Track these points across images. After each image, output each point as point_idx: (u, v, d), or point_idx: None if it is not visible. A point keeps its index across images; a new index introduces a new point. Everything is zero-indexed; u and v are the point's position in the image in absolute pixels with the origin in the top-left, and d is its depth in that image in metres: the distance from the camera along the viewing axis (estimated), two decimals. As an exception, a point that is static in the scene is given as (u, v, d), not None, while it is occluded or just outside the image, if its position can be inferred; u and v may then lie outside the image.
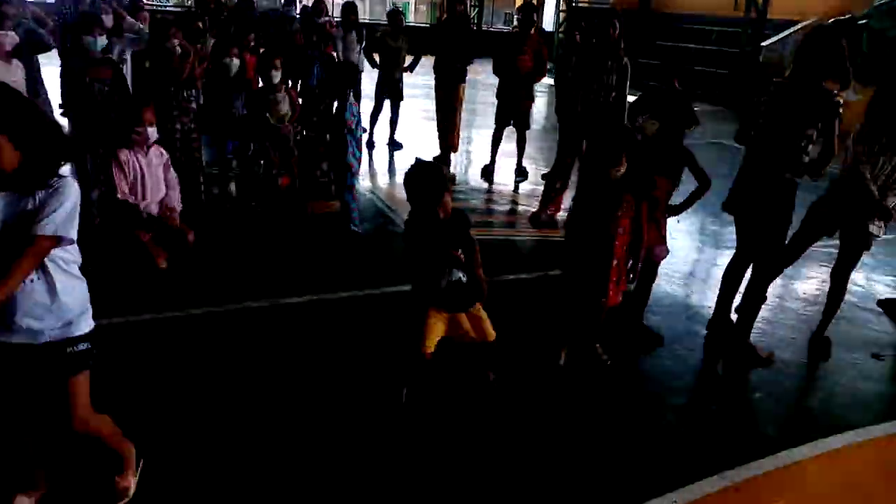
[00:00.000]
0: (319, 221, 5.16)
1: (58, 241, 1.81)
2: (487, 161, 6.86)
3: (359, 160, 4.79)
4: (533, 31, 6.52)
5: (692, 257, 5.23)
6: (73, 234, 1.85)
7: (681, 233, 5.45)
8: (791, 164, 3.20)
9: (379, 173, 7.19)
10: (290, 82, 6.77)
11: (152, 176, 3.79)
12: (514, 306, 3.91)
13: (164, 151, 3.92)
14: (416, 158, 2.83)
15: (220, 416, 2.77)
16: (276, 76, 5.14)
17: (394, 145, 7.97)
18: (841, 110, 3.11)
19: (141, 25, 5.93)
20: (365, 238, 4.91)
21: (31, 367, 1.93)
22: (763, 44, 14.50)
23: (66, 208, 1.80)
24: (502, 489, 2.48)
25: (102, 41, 4.59)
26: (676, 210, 3.61)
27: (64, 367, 1.95)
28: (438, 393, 3.05)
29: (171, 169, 3.93)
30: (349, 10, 7.81)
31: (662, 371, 3.47)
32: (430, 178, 2.73)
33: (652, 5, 21.45)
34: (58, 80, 4.79)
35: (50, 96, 5.27)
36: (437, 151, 6.98)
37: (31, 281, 1.84)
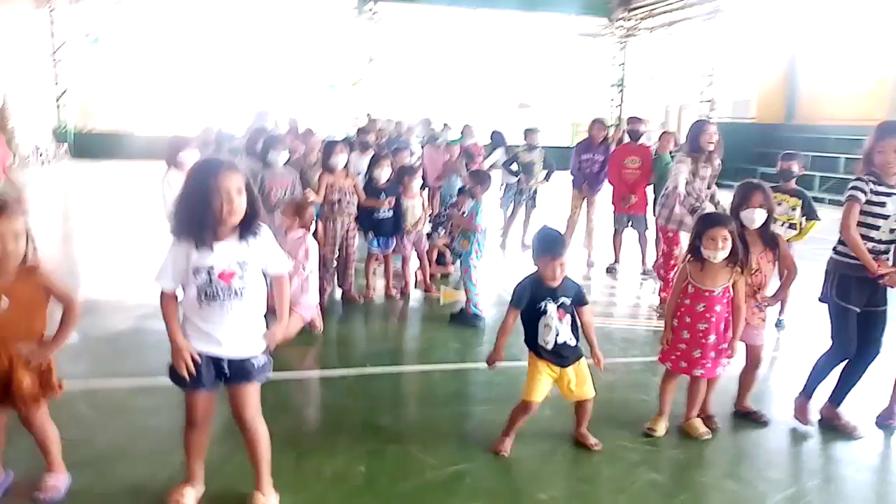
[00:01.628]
0: (448, 307, 5.78)
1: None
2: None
3: (480, 256, 5.42)
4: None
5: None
6: None
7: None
8: None
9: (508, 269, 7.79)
10: (429, 190, 7.75)
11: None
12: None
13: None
14: (551, 231, 3.35)
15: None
16: (414, 185, 6.00)
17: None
18: None
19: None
20: (485, 321, 5.41)
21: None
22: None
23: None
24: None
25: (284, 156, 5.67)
26: (773, 299, 3.77)
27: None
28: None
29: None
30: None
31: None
32: (551, 237, 3.27)
33: (795, 119, 21.23)
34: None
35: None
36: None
37: None
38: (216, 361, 2.57)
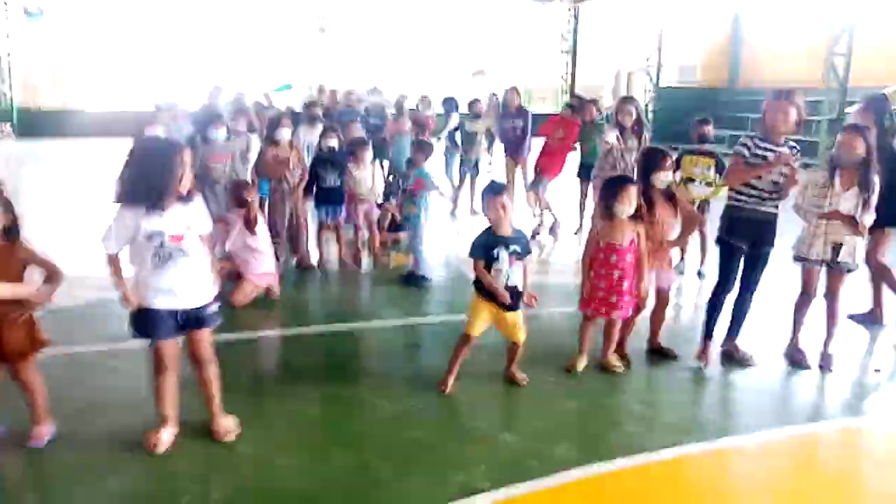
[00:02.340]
0: (398, 270, 6.20)
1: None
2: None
3: (426, 219, 5.82)
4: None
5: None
6: None
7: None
8: None
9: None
10: (379, 161, 8.08)
11: None
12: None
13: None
14: (492, 180, 3.76)
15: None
16: (365, 156, 6.32)
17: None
18: None
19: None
20: (431, 281, 5.84)
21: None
22: (847, 111, 14.66)
23: None
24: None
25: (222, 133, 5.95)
26: (674, 243, 4.27)
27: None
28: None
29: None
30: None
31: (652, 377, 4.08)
32: (492, 183, 3.70)
33: (739, 84, 21.94)
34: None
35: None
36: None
37: None
38: (174, 314, 2.95)
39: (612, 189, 3.91)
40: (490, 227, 3.68)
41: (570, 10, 25.27)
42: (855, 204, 3.95)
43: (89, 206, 9.55)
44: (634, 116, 6.03)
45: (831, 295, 4.22)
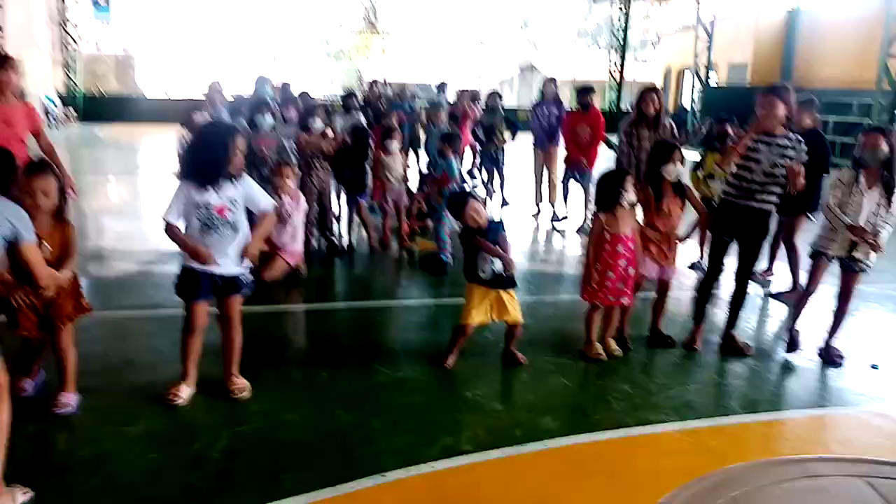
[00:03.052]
0: (422, 255, 6.48)
1: None
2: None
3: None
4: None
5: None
6: None
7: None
8: None
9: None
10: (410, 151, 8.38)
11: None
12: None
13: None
14: (453, 190, 3.98)
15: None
16: (393, 145, 6.58)
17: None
18: None
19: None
20: (451, 265, 6.06)
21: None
22: (898, 113, 14.30)
23: None
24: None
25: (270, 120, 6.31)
26: (684, 237, 4.41)
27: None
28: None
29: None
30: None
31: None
32: (456, 196, 3.88)
33: (793, 82, 21.42)
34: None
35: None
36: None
37: None
38: (212, 277, 3.29)
39: (615, 180, 4.07)
40: (470, 226, 3.89)
41: (621, 7, 25.08)
42: (878, 202, 4.00)
43: (140, 184, 10.12)
44: (657, 105, 6.12)
45: (845, 293, 4.26)
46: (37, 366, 3.46)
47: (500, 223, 3.97)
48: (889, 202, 3.98)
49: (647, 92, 6.22)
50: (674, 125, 6.35)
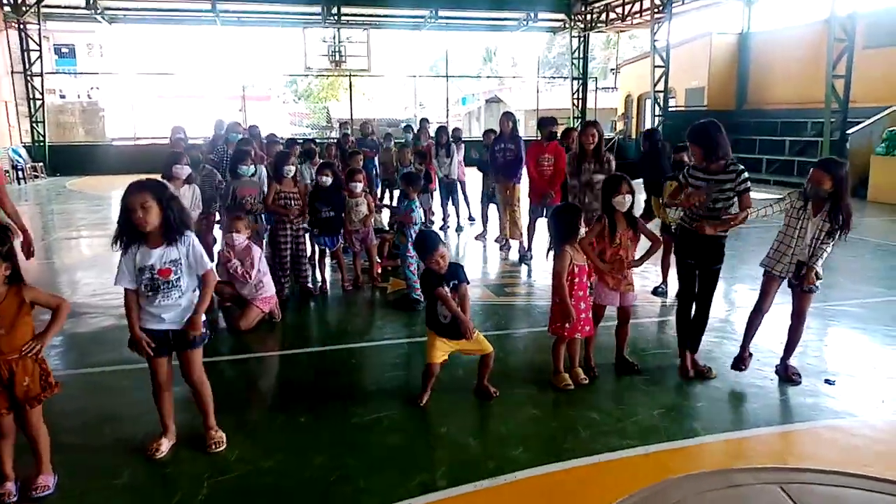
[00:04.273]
0: (395, 295, 6.63)
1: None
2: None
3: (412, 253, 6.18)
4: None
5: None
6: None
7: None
8: None
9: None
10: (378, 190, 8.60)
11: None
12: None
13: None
14: (421, 229, 4.14)
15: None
16: (357, 187, 6.75)
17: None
18: None
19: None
20: (423, 303, 6.19)
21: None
22: (849, 132, 14.86)
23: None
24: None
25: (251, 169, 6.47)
26: (637, 262, 4.61)
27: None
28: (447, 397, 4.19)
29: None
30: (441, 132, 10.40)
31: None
32: (429, 237, 4.05)
33: (746, 105, 22.17)
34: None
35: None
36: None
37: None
38: (164, 333, 3.36)
39: (571, 213, 4.30)
40: (432, 269, 4.04)
41: (579, 38, 25.79)
42: (820, 227, 4.22)
43: (109, 238, 10.15)
44: (597, 140, 6.41)
45: (797, 313, 4.47)
46: (9, 462, 3.18)
47: (461, 267, 4.13)
48: (832, 231, 4.21)
49: (588, 126, 6.51)
50: (612, 159, 6.64)
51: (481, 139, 10.98)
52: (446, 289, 3.98)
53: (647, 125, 23.39)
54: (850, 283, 7.03)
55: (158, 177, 4.42)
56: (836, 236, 4.18)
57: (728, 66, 22.36)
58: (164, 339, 3.38)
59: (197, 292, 3.41)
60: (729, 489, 3.14)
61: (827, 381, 4.45)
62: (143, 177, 3.41)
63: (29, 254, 4.57)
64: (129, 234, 3.23)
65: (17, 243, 3.49)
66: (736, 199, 4.23)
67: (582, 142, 6.44)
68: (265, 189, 6.37)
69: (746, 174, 4.25)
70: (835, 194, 4.15)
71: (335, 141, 11.64)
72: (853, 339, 5.46)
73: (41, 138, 21.54)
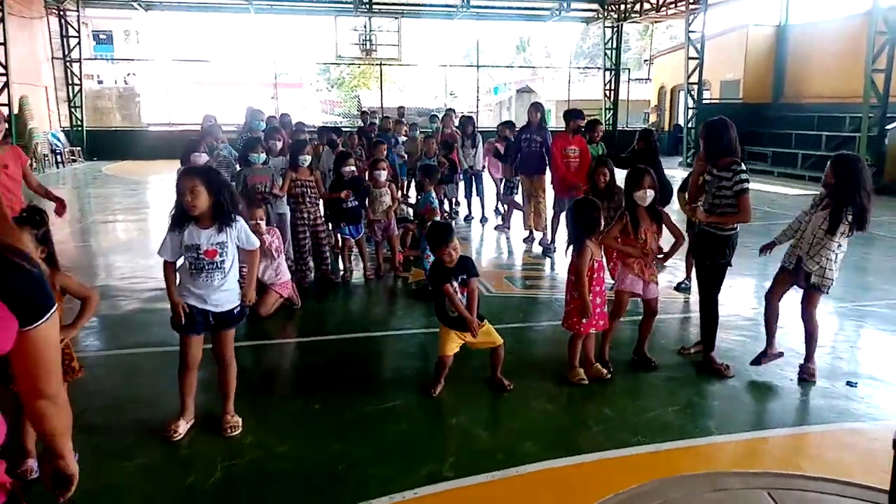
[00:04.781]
0: (416, 284, 6.68)
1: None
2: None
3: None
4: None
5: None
6: None
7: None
8: None
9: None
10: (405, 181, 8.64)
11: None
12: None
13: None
14: (435, 221, 4.16)
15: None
16: (382, 175, 6.79)
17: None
18: None
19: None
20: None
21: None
22: (888, 127, 14.45)
23: None
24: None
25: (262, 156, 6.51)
26: (662, 259, 4.57)
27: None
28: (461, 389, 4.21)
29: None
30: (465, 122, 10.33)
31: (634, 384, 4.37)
32: (441, 229, 4.06)
33: (783, 98, 21.67)
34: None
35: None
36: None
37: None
38: (204, 313, 3.46)
39: (591, 207, 4.27)
40: (441, 262, 4.05)
41: (612, 28, 25.43)
42: (820, 224, 4.17)
43: (143, 222, 10.35)
44: (608, 178, 6.21)
45: (806, 313, 4.40)
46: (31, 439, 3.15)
47: (470, 261, 4.13)
48: (832, 228, 4.12)
49: (599, 166, 6.29)
50: (621, 189, 6.51)
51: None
52: (454, 285, 3.99)
53: (681, 118, 23.00)
54: (880, 283, 6.87)
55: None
56: (839, 234, 4.10)
57: (765, 59, 21.87)
58: (203, 318, 3.47)
59: (236, 284, 3.54)
60: (715, 493, 3.09)
61: (849, 384, 4.37)
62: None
63: (62, 210, 5.05)
64: (182, 214, 3.38)
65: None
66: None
67: (595, 181, 6.28)
68: (276, 176, 6.41)
69: (745, 175, 4.23)
70: (836, 190, 4.08)
71: (357, 129, 11.64)
72: (881, 340, 5.34)
73: (79, 123, 22.03)
